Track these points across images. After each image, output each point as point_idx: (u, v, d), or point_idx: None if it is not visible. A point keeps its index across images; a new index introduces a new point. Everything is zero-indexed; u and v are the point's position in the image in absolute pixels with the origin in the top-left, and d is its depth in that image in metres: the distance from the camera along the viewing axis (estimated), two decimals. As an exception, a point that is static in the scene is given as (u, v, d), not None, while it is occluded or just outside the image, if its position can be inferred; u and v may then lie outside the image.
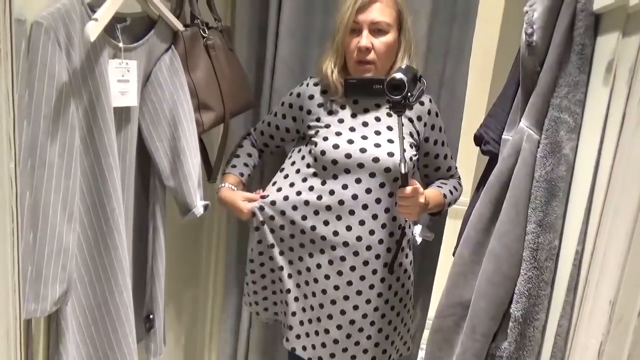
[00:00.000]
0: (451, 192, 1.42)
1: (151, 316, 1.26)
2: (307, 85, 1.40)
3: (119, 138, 1.06)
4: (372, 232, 1.30)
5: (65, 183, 0.89)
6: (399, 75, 1.12)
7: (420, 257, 1.71)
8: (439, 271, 1.72)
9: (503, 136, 1.13)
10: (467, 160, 1.70)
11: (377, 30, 1.27)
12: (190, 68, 1.19)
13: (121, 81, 1.02)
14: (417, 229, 1.51)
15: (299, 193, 1.32)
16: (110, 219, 1.01)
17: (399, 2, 1.31)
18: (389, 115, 1.33)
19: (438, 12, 1.51)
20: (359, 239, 1.30)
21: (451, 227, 1.69)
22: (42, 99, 0.84)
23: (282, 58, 1.53)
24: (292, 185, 1.33)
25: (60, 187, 0.88)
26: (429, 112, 1.38)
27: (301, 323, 1.39)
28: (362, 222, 1.30)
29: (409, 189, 1.20)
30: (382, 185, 1.30)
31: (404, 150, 1.21)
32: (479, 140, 1.22)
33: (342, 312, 1.33)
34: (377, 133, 1.32)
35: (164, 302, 1.27)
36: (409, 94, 1.12)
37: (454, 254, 1.31)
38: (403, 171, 1.18)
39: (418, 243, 1.52)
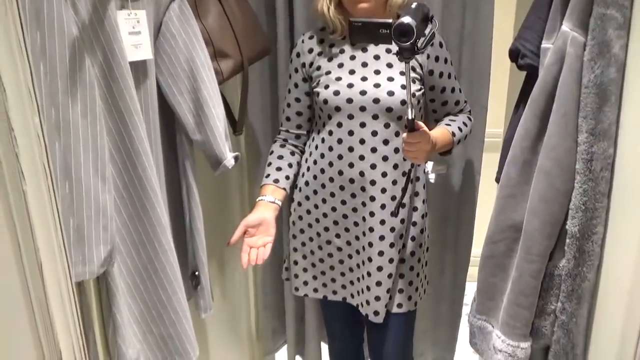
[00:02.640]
0: (460, 129, 1.36)
1: (196, 273, 1.26)
2: (302, 41, 1.36)
3: (139, 95, 1.02)
4: (384, 174, 1.28)
5: (94, 144, 0.86)
6: (407, 20, 1.00)
7: (459, 192, 1.66)
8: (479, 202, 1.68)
9: (542, 45, 1.06)
10: (501, 86, 1.62)
11: None
12: (200, 14, 1.13)
13: (132, 33, 0.97)
14: (429, 165, 1.45)
15: (310, 154, 1.37)
16: (143, 178, 0.99)
17: None
18: (388, 51, 1.27)
19: None
20: (372, 182, 1.29)
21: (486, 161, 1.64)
22: (55, 57, 0.80)
23: (301, 2, 1.45)
24: (310, 154, 1.37)
25: (89, 148, 0.85)
26: (432, 44, 1.30)
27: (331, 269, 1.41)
28: (373, 166, 1.28)
29: (415, 133, 1.15)
30: (387, 125, 1.26)
31: (413, 95, 1.15)
32: (514, 54, 1.14)
33: (369, 260, 1.33)
34: (377, 72, 1.27)
35: (206, 257, 1.26)
36: (418, 39, 1.01)
37: (496, 180, 1.26)
38: (410, 116, 1.12)
39: (432, 180, 1.47)
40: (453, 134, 1.33)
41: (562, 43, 0.96)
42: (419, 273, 1.41)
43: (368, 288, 1.34)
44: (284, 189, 1.37)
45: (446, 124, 1.36)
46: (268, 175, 1.38)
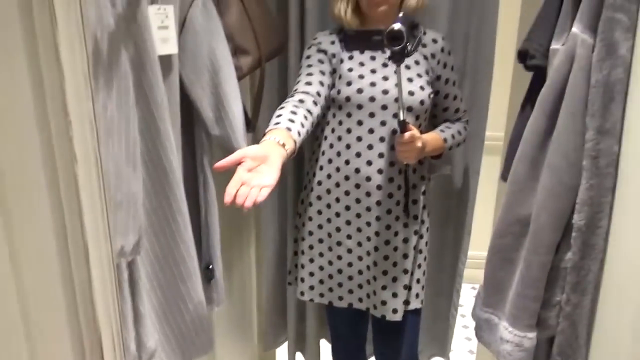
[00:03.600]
0: (453, 136, 1.42)
1: (210, 266, 1.28)
2: (324, 35, 1.40)
3: (164, 89, 1.04)
4: (401, 172, 1.33)
5: (126, 133, 0.88)
6: (397, 26, 1.12)
7: (458, 192, 1.71)
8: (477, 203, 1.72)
9: (552, 47, 1.10)
10: (502, 90, 1.67)
11: None
12: (222, 12, 1.16)
13: (161, 28, 0.99)
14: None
15: (323, 153, 1.37)
16: (168, 170, 1.01)
17: None
18: (389, 59, 1.31)
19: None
20: (391, 180, 1.32)
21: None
22: (98, 48, 0.82)
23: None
24: (323, 153, 1.38)
25: (122, 137, 0.87)
26: (442, 50, 1.38)
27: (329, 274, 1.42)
28: (392, 164, 1.31)
29: (407, 134, 1.22)
30: (395, 115, 1.31)
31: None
32: (523, 55, 1.19)
33: (385, 258, 1.36)
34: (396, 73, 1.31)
35: (220, 251, 1.28)
36: (408, 43, 1.13)
37: (502, 177, 1.31)
38: (401, 118, 1.20)
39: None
40: (445, 140, 1.39)
41: (572, 45, 1.01)
42: (425, 271, 1.45)
43: (384, 287, 1.37)
44: (295, 142, 1.10)
45: (441, 130, 1.42)
46: (278, 123, 1.12)
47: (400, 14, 1.17)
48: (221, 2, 1.16)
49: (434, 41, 1.37)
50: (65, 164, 0.63)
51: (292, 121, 1.13)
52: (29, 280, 0.63)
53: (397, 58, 1.15)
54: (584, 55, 1.00)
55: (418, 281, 1.42)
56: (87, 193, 0.66)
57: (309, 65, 1.32)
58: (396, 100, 1.28)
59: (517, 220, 1.17)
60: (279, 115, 1.15)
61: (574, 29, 1.01)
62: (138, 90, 0.94)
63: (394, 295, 1.37)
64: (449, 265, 1.79)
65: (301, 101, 1.22)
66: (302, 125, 1.15)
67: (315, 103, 1.24)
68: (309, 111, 1.20)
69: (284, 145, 1.05)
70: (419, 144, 1.26)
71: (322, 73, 1.31)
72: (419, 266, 1.43)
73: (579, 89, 1.01)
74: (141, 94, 0.95)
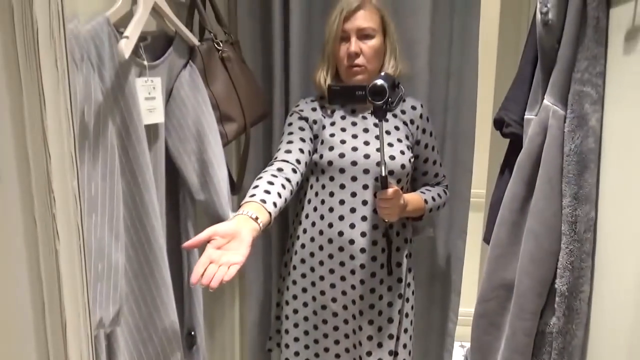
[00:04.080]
0: (434, 199, 1.45)
1: (192, 333, 1.24)
2: (306, 102, 1.45)
3: (150, 157, 1.05)
4: (375, 227, 1.34)
5: (110, 203, 0.88)
6: (380, 82, 1.17)
7: (446, 251, 1.72)
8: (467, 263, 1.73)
9: (525, 116, 1.15)
10: (482, 149, 1.72)
11: (364, 35, 1.33)
12: (209, 81, 1.20)
13: (148, 99, 1.02)
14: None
15: (307, 216, 1.38)
16: (151, 237, 1.01)
17: (380, 8, 1.37)
18: (386, 120, 1.37)
19: (438, 5, 1.54)
20: (374, 243, 1.33)
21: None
22: (84, 119, 0.84)
23: (296, 70, 1.56)
24: (307, 217, 1.39)
25: (105, 207, 0.88)
26: (421, 116, 1.43)
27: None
28: (375, 226, 1.33)
29: (389, 191, 1.24)
30: (377, 179, 1.32)
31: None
32: (499, 123, 1.24)
33: (354, 317, 1.36)
34: (377, 138, 1.36)
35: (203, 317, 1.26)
36: (390, 99, 1.17)
37: (484, 240, 1.33)
38: (383, 174, 1.23)
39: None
40: (425, 202, 1.42)
41: (545, 116, 1.06)
42: (412, 336, 1.43)
43: (369, 353, 1.35)
44: (270, 213, 1.10)
45: (421, 192, 1.46)
46: (253, 195, 1.13)
47: (382, 73, 1.23)
48: (208, 72, 1.20)
49: (413, 108, 1.42)
50: (47, 240, 0.63)
51: (267, 192, 1.14)
52: (3, 356, 0.61)
53: (380, 113, 1.19)
54: (557, 125, 1.04)
55: (405, 346, 1.40)
56: (68, 268, 0.66)
57: (290, 133, 1.35)
58: (378, 164, 1.30)
59: (501, 285, 1.17)
60: (256, 187, 1.16)
61: (546, 101, 1.06)
62: (124, 160, 0.96)
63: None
64: (437, 326, 1.77)
65: (280, 169, 1.23)
66: (279, 195, 1.15)
67: (294, 170, 1.25)
68: (287, 179, 1.21)
69: (257, 218, 1.05)
70: (401, 201, 1.28)
71: (303, 140, 1.33)
72: (405, 331, 1.41)
73: (553, 158, 1.05)
74: (127, 163, 0.96)
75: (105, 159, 0.87)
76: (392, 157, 1.33)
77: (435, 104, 1.60)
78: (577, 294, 1.06)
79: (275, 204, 1.13)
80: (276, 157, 1.30)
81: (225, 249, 0.97)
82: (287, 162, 1.27)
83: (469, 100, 1.59)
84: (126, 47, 0.87)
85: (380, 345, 1.34)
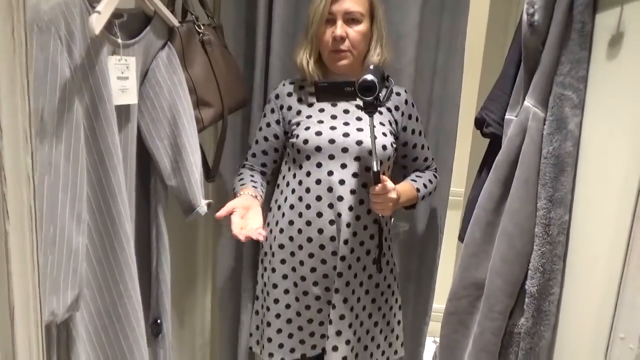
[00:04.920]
0: (425, 186, 1.42)
1: (158, 321, 1.22)
2: (284, 85, 1.41)
3: (120, 138, 1.02)
4: (358, 218, 1.31)
5: (73, 184, 0.85)
6: (369, 77, 1.13)
7: (422, 248, 1.71)
8: (442, 259, 1.73)
9: (506, 117, 1.14)
10: (463, 147, 1.72)
11: (350, 19, 1.28)
12: (187, 64, 1.17)
13: (121, 78, 0.98)
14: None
15: (285, 199, 1.36)
16: (116, 221, 0.98)
17: None
18: (362, 110, 1.34)
19: (428, 2, 1.52)
20: (339, 215, 1.29)
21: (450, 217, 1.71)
22: (46, 97, 0.80)
23: (277, 54, 1.52)
24: (285, 200, 1.37)
25: (67, 188, 0.84)
26: (406, 102, 1.40)
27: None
28: (350, 208, 1.29)
29: (380, 186, 1.22)
30: (367, 169, 1.30)
31: (380, 131, 1.25)
32: (480, 123, 1.23)
33: (334, 307, 1.33)
34: (359, 119, 1.33)
35: (170, 306, 1.23)
36: (380, 94, 1.14)
37: (459, 238, 1.32)
38: (375, 169, 1.19)
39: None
40: (418, 190, 1.39)
41: (525, 117, 1.05)
42: (382, 330, 1.43)
43: (338, 333, 1.33)
44: (262, 197, 1.34)
45: (412, 180, 1.43)
46: (244, 184, 1.35)
47: (371, 66, 1.18)
48: (187, 55, 1.16)
49: (398, 94, 1.39)
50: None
51: (254, 182, 1.37)
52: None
53: (370, 109, 1.15)
54: (536, 127, 1.03)
55: (392, 330, 1.40)
56: (18, 251, 0.63)
57: (260, 129, 1.43)
58: (358, 143, 1.28)
59: (473, 284, 1.17)
60: (242, 179, 1.38)
61: (527, 102, 1.05)
62: (91, 140, 0.92)
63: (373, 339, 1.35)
64: (411, 323, 1.77)
65: (251, 169, 1.43)
66: (263, 186, 1.39)
67: (262, 173, 1.45)
68: (262, 180, 1.42)
69: (256, 197, 1.31)
70: (394, 195, 1.25)
71: (266, 139, 1.41)
72: (391, 308, 1.40)
73: (531, 159, 1.04)
74: (94, 143, 0.93)
75: (69, 138, 0.84)
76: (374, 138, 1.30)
77: (420, 100, 1.58)
78: (546, 296, 1.06)
79: (262, 194, 1.36)
80: (246, 159, 1.46)
81: (246, 218, 1.22)
82: (253, 167, 1.44)
83: (453, 98, 1.58)
84: (97, 22, 0.83)
85: (350, 325, 1.33)
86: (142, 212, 1.18)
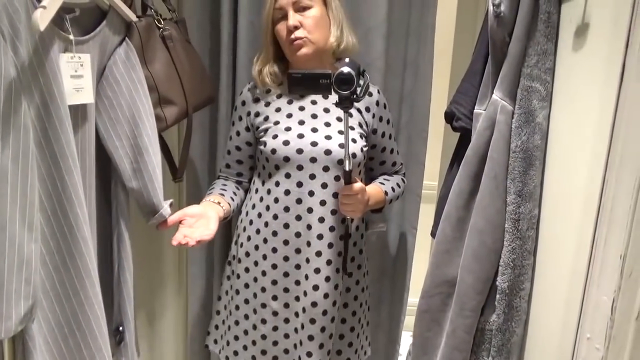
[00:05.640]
0: (393, 189, 1.40)
1: (120, 328, 1.17)
2: (248, 89, 1.37)
3: (77, 139, 0.98)
4: (332, 229, 1.27)
5: (23, 190, 0.81)
6: (346, 69, 1.08)
7: (396, 246, 1.70)
8: (417, 255, 1.72)
9: (475, 110, 1.13)
10: (436, 140, 1.71)
11: (301, 7, 1.25)
12: (147, 61, 1.12)
13: (74, 77, 0.94)
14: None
15: (253, 206, 1.34)
16: (74, 226, 0.93)
17: None
18: (336, 104, 1.31)
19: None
20: (320, 237, 1.26)
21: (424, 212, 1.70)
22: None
23: (243, 49, 1.48)
24: (253, 207, 1.34)
25: (17, 194, 0.80)
26: (377, 104, 1.36)
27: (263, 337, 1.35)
28: (321, 219, 1.26)
29: (355, 185, 1.18)
30: (337, 178, 1.26)
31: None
32: (450, 117, 1.22)
33: (312, 321, 1.29)
34: (327, 125, 1.29)
35: (134, 312, 1.19)
36: (357, 88, 1.09)
37: (432, 234, 1.31)
38: (347, 168, 1.16)
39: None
40: (386, 193, 1.37)
41: (493, 111, 1.04)
42: (359, 334, 1.40)
43: (309, 354, 1.29)
44: (229, 204, 1.30)
45: (380, 182, 1.40)
46: (210, 194, 1.33)
47: (347, 59, 1.13)
48: (146, 51, 1.12)
49: (369, 94, 1.35)
50: None
51: (224, 189, 1.34)
52: None
53: (346, 104, 1.10)
54: (504, 121, 1.02)
55: (350, 345, 1.37)
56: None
57: (230, 139, 1.39)
58: (327, 152, 1.25)
59: (445, 281, 1.16)
60: (212, 188, 1.37)
61: (494, 96, 1.04)
62: (44, 142, 0.88)
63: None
64: (387, 321, 1.76)
65: (224, 185, 1.38)
66: (234, 194, 1.36)
67: (239, 182, 1.41)
68: (234, 192, 1.37)
69: (219, 203, 1.27)
70: (365, 197, 1.22)
71: (239, 149, 1.38)
72: (352, 329, 1.37)
73: (500, 154, 1.03)
74: (47, 146, 0.88)
75: (17, 141, 0.79)
76: (342, 146, 1.25)
77: (391, 94, 1.56)
78: (517, 292, 1.05)
79: (232, 199, 1.33)
80: (220, 170, 1.43)
81: (195, 227, 1.17)
82: (228, 178, 1.41)
83: (424, 91, 1.56)
84: (42, 17, 0.78)
85: (321, 346, 1.29)
86: (103, 216, 1.14)
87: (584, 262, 0.74)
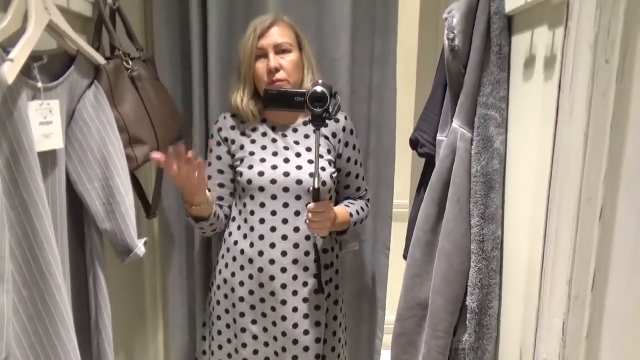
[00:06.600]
0: (357, 212, 1.44)
1: (101, 372, 1.17)
2: (225, 117, 1.41)
3: (47, 184, 0.98)
4: (307, 253, 1.32)
5: (-8, 241, 0.81)
6: (320, 88, 1.16)
7: (370, 267, 1.73)
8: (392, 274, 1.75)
9: (437, 137, 1.18)
10: (402, 164, 1.76)
11: (281, 50, 1.31)
12: (116, 102, 1.14)
13: (43, 123, 0.94)
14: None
15: (230, 234, 1.37)
16: (46, 273, 0.93)
17: (292, 24, 1.37)
18: (306, 137, 1.37)
19: (359, 26, 1.55)
20: (295, 261, 1.31)
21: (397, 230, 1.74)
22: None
23: (214, 83, 1.51)
24: (230, 234, 1.37)
25: (-14, 246, 0.80)
26: (344, 129, 1.42)
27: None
28: (296, 245, 1.31)
29: (321, 202, 1.23)
30: (297, 197, 1.32)
31: (319, 165, 1.27)
32: (414, 143, 1.26)
33: (295, 342, 1.33)
34: (298, 155, 1.35)
35: (113, 353, 1.18)
36: (329, 106, 1.16)
37: (404, 257, 1.35)
38: (316, 185, 1.21)
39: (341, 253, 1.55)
40: (350, 215, 1.41)
41: (453, 138, 1.09)
42: (339, 354, 1.43)
43: None
44: (212, 203, 1.33)
45: (345, 205, 1.44)
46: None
47: (320, 81, 1.20)
48: (115, 92, 1.14)
49: (336, 120, 1.40)
50: None
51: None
52: None
53: (318, 121, 1.16)
54: (464, 147, 1.07)
55: None
56: None
57: (210, 164, 1.39)
58: (298, 182, 1.29)
59: (417, 304, 1.19)
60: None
61: (454, 124, 1.09)
62: (13, 191, 0.88)
63: None
64: (365, 341, 1.78)
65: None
66: (220, 207, 1.38)
67: (219, 206, 1.40)
68: (218, 207, 1.39)
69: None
70: (332, 214, 1.26)
71: (221, 172, 1.39)
72: (333, 349, 1.40)
73: (461, 179, 1.08)
74: (17, 194, 0.88)
75: (-15, 193, 0.79)
76: (312, 175, 1.30)
77: (358, 121, 1.61)
78: (486, 310, 1.09)
79: (217, 205, 1.37)
80: None
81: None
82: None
83: (388, 117, 1.61)
84: (9, 71, 0.80)
85: (317, 340, 1.32)
86: (78, 259, 1.13)
87: (535, 286, 0.78)
